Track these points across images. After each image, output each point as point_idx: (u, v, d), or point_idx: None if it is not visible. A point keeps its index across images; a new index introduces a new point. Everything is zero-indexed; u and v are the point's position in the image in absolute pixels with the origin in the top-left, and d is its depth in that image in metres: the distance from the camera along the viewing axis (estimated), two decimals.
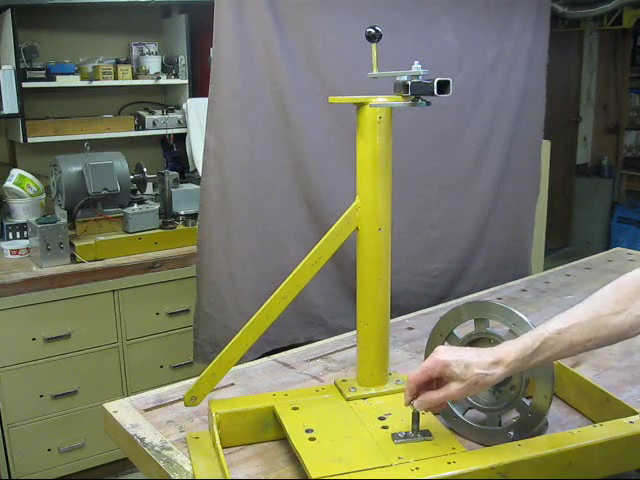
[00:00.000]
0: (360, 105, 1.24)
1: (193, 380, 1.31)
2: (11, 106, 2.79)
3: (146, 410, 1.37)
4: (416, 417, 1.13)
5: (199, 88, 3.33)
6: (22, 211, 2.82)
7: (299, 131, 2.02)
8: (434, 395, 1.07)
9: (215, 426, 1.19)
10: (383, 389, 1.30)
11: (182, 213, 2.88)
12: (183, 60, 3.25)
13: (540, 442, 1.10)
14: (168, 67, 3.27)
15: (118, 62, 3.20)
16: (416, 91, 1.17)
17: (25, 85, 2.83)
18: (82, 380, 2.58)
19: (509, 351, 1.04)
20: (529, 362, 1.03)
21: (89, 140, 2.93)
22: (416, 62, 1.19)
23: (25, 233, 2.70)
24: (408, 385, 1.09)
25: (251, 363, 1.61)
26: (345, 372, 1.54)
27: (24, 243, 2.65)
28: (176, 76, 3.27)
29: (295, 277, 1.26)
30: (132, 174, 2.87)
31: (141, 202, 2.93)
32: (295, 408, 1.23)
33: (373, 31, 1.21)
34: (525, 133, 2.52)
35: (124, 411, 1.37)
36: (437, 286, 2.41)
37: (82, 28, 3.20)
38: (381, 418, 1.21)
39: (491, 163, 2.44)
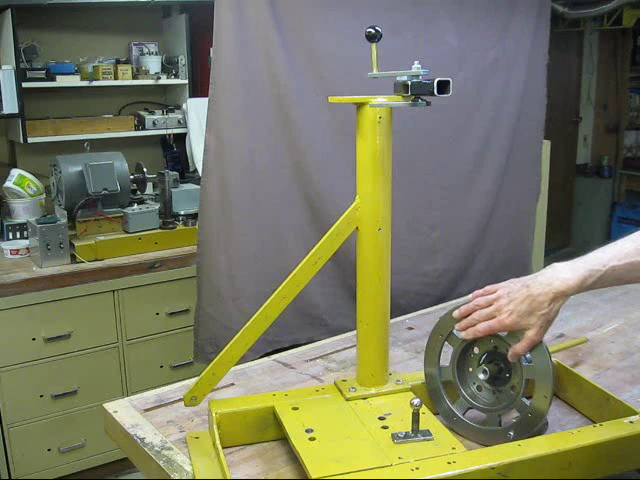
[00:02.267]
0: (360, 105, 1.24)
1: (193, 380, 1.30)
2: (11, 106, 2.79)
3: (146, 410, 1.37)
4: (416, 417, 1.13)
5: (199, 88, 3.33)
6: (22, 211, 2.83)
7: (299, 131, 2.02)
8: (519, 347, 1.15)
9: (215, 426, 1.19)
10: (383, 389, 1.30)
11: (182, 213, 2.88)
12: (183, 60, 3.25)
13: (540, 442, 1.10)
14: (168, 67, 3.28)
15: (118, 62, 3.21)
16: (416, 91, 1.17)
17: (25, 85, 2.84)
18: (82, 380, 2.58)
19: (567, 282, 1.12)
20: (583, 291, 1.13)
21: (89, 140, 2.94)
22: (416, 62, 1.19)
23: (25, 233, 2.71)
24: (475, 333, 1.19)
25: (251, 363, 1.61)
26: (345, 372, 1.54)
27: (24, 243, 2.65)
28: (176, 76, 3.27)
29: (295, 277, 1.26)
30: (132, 174, 2.87)
31: (141, 202, 2.93)
32: (295, 408, 1.23)
33: (373, 31, 1.20)
34: (525, 133, 2.52)
35: (124, 411, 1.37)
36: (438, 286, 2.41)
37: (82, 28, 3.21)
38: (381, 418, 1.20)
39: (491, 163, 2.44)
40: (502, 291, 1.19)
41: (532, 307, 1.13)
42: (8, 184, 2.82)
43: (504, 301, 1.17)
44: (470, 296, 1.24)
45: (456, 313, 1.23)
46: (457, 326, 1.23)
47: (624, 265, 1.12)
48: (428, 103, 1.19)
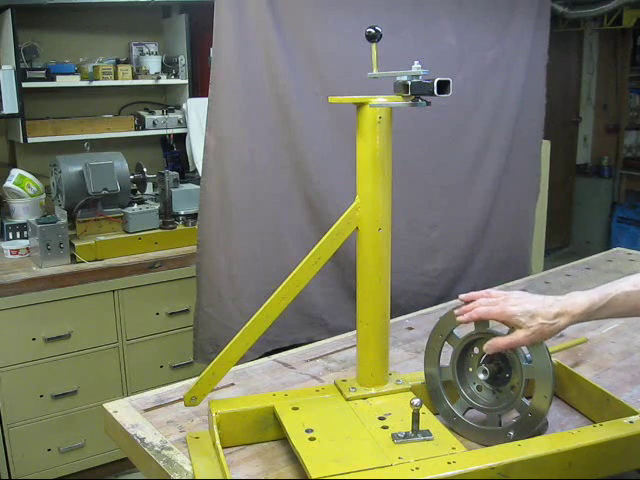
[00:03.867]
0: (360, 105, 1.24)
1: (193, 380, 1.31)
2: (11, 106, 2.79)
3: (146, 410, 1.37)
4: (416, 417, 1.13)
5: (199, 88, 3.33)
6: (22, 211, 2.83)
7: (299, 131, 2.02)
8: (500, 341, 1.15)
9: (215, 426, 1.19)
10: (383, 389, 1.30)
11: (182, 213, 2.88)
12: (183, 60, 3.25)
13: (540, 442, 1.10)
14: (168, 67, 3.28)
15: (118, 62, 3.21)
16: (416, 91, 1.17)
17: (25, 85, 2.83)
18: (82, 380, 2.58)
19: (576, 303, 1.11)
20: (593, 316, 1.12)
21: (89, 140, 2.94)
22: (416, 62, 1.19)
23: (25, 233, 2.71)
24: (472, 314, 1.18)
25: (251, 363, 1.61)
26: (345, 372, 1.54)
27: (24, 243, 2.65)
28: (176, 76, 3.27)
29: (295, 277, 1.26)
30: (132, 174, 2.87)
31: (141, 202, 2.93)
32: (295, 408, 1.23)
33: (373, 31, 1.20)
34: (525, 133, 2.52)
35: (124, 411, 1.37)
36: (437, 286, 2.41)
37: (82, 28, 3.21)
38: (381, 418, 1.21)
39: (491, 163, 2.44)
40: (517, 290, 1.20)
41: (538, 312, 1.12)
42: (8, 184, 2.82)
43: (516, 294, 1.17)
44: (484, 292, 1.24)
45: (463, 296, 1.22)
46: (457, 310, 1.22)
47: (639, 292, 1.11)
48: (428, 103, 1.19)
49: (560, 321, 1.11)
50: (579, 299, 1.12)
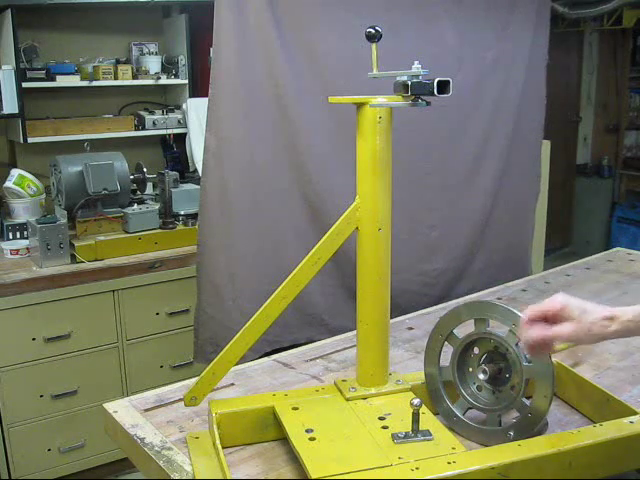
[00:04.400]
0: (360, 105, 1.24)
1: (193, 380, 1.31)
2: (11, 106, 2.79)
3: (146, 410, 1.37)
4: (416, 417, 1.13)
5: (199, 88, 3.33)
6: (22, 211, 2.83)
7: (299, 131, 2.02)
8: (544, 331, 1.04)
9: (215, 426, 1.19)
10: (383, 389, 1.30)
11: (182, 213, 2.88)
12: (183, 60, 3.25)
13: (540, 442, 1.10)
14: (168, 67, 3.28)
15: (118, 62, 3.21)
16: (416, 91, 1.17)
17: (25, 85, 2.83)
18: (82, 380, 2.58)
19: (625, 311, 1.06)
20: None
21: (89, 140, 2.94)
22: (416, 62, 1.19)
23: (25, 233, 2.71)
24: (525, 318, 1.07)
25: (251, 363, 1.61)
26: (345, 372, 1.54)
27: (24, 243, 2.65)
28: (176, 76, 3.27)
29: (295, 277, 1.26)
30: (132, 174, 2.87)
31: (141, 202, 2.93)
32: (295, 408, 1.23)
33: (373, 31, 1.21)
34: (525, 133, 2.52)
35: (124, 411, 1.37)
36: (437, 286, 2.41)
37: (82, 28, 3.21)
38: (381, 418, 1.21)
39: (491, 163, 2.44)
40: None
41: (589, 309, 1.04)
42: (8, 184, 2.82)
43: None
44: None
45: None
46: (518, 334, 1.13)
47: None
48: (428, 103, 1.19)
49: (611, 326, 1.04)
50: (627, 308, 1.06)
